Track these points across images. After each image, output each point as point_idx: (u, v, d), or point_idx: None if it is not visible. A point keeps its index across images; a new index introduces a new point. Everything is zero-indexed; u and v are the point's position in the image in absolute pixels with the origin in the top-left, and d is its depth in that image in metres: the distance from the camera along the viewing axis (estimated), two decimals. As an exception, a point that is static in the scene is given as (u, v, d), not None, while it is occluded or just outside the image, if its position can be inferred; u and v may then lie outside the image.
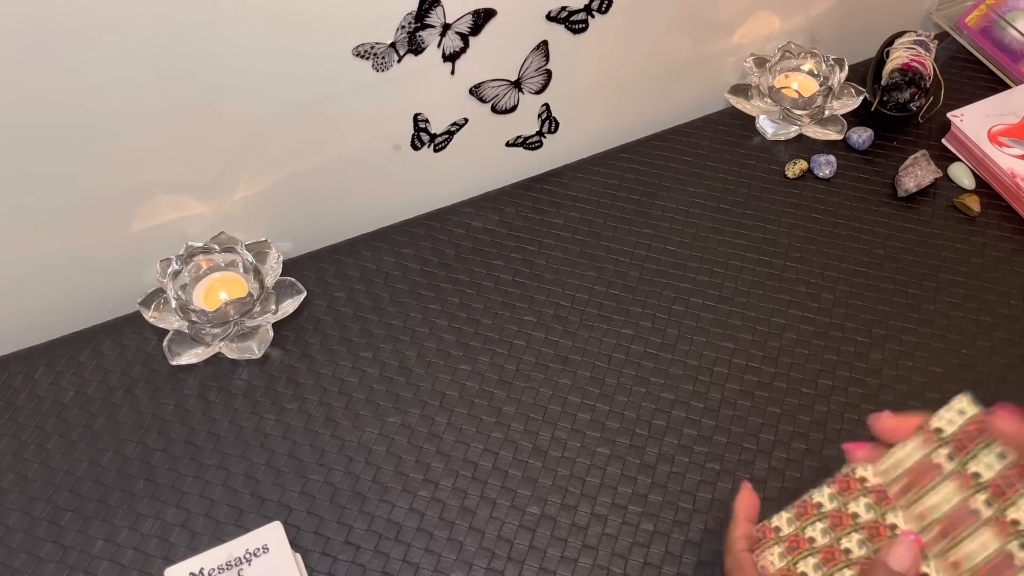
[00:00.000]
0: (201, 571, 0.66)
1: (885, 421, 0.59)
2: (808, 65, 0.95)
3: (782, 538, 0.57)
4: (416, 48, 0.75)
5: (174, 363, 0.78)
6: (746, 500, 0.64)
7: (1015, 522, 0.49)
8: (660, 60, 0.91)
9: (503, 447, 0.75)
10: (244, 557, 0.66)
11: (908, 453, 0.55)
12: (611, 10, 0.81)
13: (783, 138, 0.95)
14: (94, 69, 0.64)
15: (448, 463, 0.74)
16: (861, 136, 0.94)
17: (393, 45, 0.74)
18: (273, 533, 0.67)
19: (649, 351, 0.80)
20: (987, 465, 0.52)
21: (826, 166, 0.92)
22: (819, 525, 0.56)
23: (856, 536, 0.54)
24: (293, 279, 0.82)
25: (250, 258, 0.80)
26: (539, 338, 0.81)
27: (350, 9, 0.69)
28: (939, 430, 0.55)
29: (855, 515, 0.55)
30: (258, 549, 0.66)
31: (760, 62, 0.96)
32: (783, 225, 0.89)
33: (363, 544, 0.70)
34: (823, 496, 0.57)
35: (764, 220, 0.89)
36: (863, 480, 0.56)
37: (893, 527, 0.53)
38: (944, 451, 0.54)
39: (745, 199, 0.91)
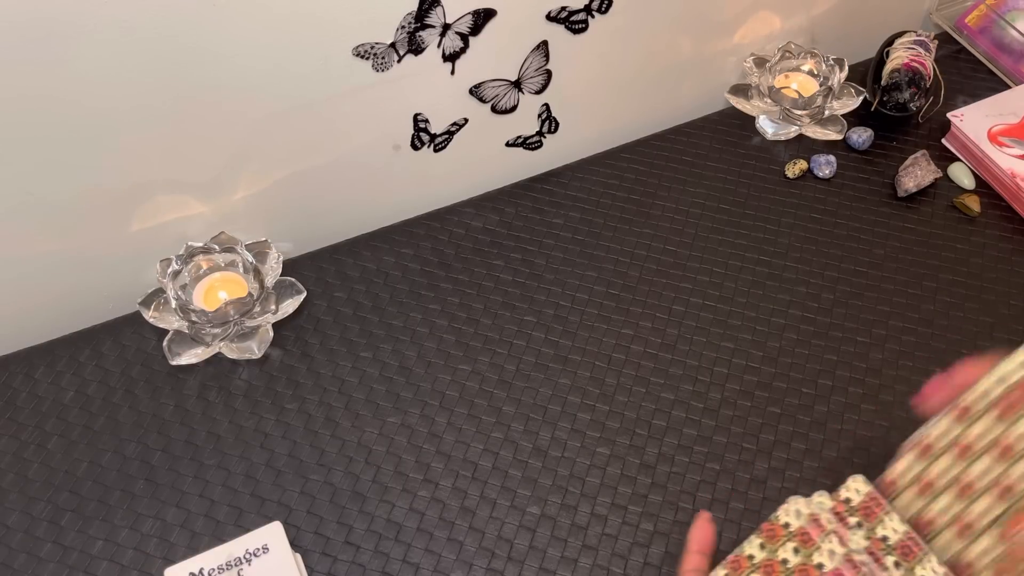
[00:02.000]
0: (201, 571, 0.66)
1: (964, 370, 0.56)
2: (808, 65, 0.95)
3: None
4: (416, 48, 0.75)
5: (174, 363, 0.78)
6: (700, 532, 0.61)
7: None
8: (660, 60, 0.91)
9: (503, 447, 0.75)
10: (244, 557, 0.66)
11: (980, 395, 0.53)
12: (611, 10, 0.81)
13: (783, 138, 0.95)
14: (94, 68, 0.64)
15: (448, 463, 0.74)
16: (861, 136, 0.94)
17: (393, 45, 0.74)
18: (273, 533, 0.67)
19: (649, 351, 0.80)
20: None
21: (826, 166, 0.92)
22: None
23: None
24: (293, 279, 0.82)
25: (250, 258, 0.80)
26: (539, 338, 0.81)
27: (350, 9, 0.69)
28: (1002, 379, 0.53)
29: (784, 560, 0.54)
30: (258, 549, 0.67)
31: (760, 62, 0.96)
32: (783, 225, 0.89)
33: (363, 544, 0.70)
34: (753, 547, 0.55)
35: (764, 220, 0.89)
36: (787, 526, 0.55)
37: (819, 566, 0.53)
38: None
39: (745, 199, 0.91)
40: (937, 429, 0.54)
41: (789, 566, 0.53)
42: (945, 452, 0.54)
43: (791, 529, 0.55)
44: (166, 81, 0.68)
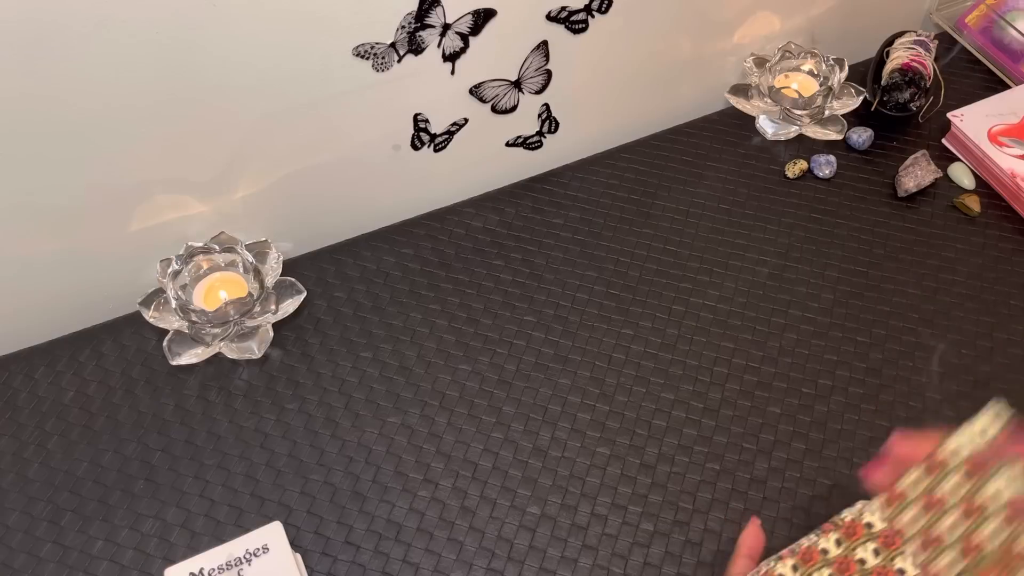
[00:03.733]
0: (201, 571, 0.66)
1: (900, 445, 0.57)
2: (808, 65, 0.95)
3: None
4: (416, 48, 0.75)
5: (174, 363, 0.78)
6: (751, 537, 0.61)
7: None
8: (660, 60, 0.91)
9: (503, 447, 0.75)
10: (244, 557, 0.66)
11: (915, 481, 0.54)
12: (611, 10, 0.81)
13: (783, 138, 0.95)
14: (94, 68, 0.64)
15: (448, 463, 0.74)
16: (861, 136, 0.94)
17: (393, 45, 0.74)
18: (273, 533, 0.67)
19: (649, 351, 0.80)
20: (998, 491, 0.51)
21: (826, 166, 0.92)
22: (825, 571, 0.55)
23: None
24: (293, 279, 0.82)
25: (250, 258, 0.80)
26: (539, 338, 0.81)
27: (350, 9, 0.69)
28: (954, 453, 0.54)
29: (861, 560, 0.54)
30: (258, 549, 0.66)
31: (760, 62, 0.96)
32: (783, 225, 0.89)
33: (363, 544, 0.70)
34: (829, 542, 0.56)
35: (764, 220, 0.89)
36: (870, 526, 0.55)
37: (901, 572, 0.52)
38: (954, 479, 0.53)
39: (745, 199, 0.91)
40: (908, 479, 0.55)
41: (866, 567, 0.53)
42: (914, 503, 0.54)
43: (873, 531, 0.54)
44: (165, 81, 0.68)
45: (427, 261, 0.86)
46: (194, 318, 0.77)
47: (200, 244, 0.79)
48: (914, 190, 0.89)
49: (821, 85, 0.93)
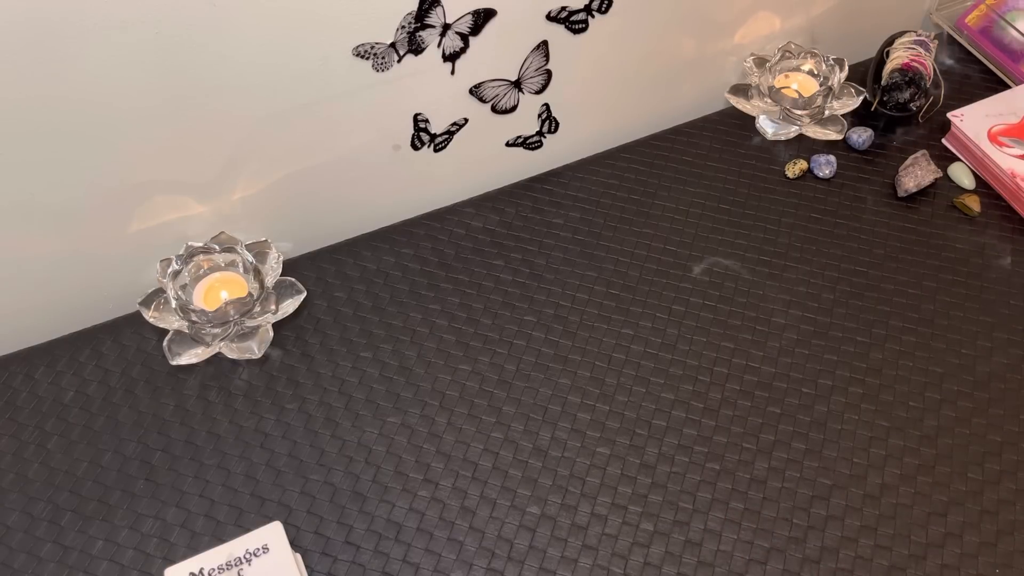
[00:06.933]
0: (201, 571, 0.66)
1: None
2: (808, 65, 0.95)
3: None
4: (416, 48, 0.75)
5: (174, 363, 0.78)
6: None
7: None
8: (660, 60, 0.91)
9: (503, 447, 0.75)
10: (244, 557, 0.66)
11: None
12: (611, 10, 0.81)
13: (783, 138, 0.95)
14: (93, 68, 0.64)
15: (448, 463, 0.74)
16: (861, 136, 0.94)
17: (393, 45, 0.74)
18: (273, 533, 0.67)
19: (649, 351, 0.80)
20: None
21: (826, 166, 0.92)
22: None
23: None
24: (293, 279, 0.82)
25: (250, 258, 0.80)
26: (539, 338, 0.81)
27: (350, 9, 0.69)
28: None
29: None
30: (258, 549, 0.66)
31: (760, 62, 0.96)
32: (783, 225, 0.89)
33: (363, 544, 0.70)
34: None
35: (764, 220, 0.89)
36: None
37: None
38: None
39: (745, 199, 0.91)
40: None
41: None
42: None
43: None
44: (165, 81, 0.68)
45: (427, 261, 0.86)
46: (194, 318, 0.77)
47: (200, 244, 0.79)
48: (914, 190, 0.89)
49: (821, 85, 0.93)
